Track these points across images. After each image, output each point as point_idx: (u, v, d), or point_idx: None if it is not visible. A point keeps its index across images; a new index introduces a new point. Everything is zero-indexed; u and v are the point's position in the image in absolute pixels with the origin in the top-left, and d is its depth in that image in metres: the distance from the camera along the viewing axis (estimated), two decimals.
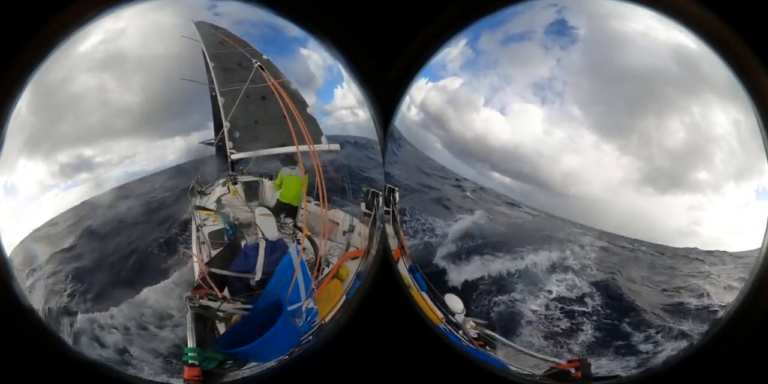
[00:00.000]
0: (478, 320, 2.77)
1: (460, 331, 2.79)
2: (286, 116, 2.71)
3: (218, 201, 2.82)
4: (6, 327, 2.49)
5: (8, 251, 2.47)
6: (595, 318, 2.63)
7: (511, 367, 2.74)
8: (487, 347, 2.76)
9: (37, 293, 2.49)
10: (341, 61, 2.67)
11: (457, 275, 2.79)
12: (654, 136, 2.36)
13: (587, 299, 2.62)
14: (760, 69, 2.49)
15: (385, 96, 2.72)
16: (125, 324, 2.55)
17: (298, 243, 2.73)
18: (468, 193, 2.75)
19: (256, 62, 2.75)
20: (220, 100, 2.74)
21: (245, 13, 2.73)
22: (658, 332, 2.58)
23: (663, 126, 2.37)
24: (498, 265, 2.73)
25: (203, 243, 2.72)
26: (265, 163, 2.93)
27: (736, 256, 2.50)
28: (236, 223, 2.80)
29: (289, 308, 2.62)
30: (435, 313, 2.81)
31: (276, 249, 2.70)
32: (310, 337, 2.70)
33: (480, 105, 2.58)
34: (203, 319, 2.60)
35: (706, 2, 2.51)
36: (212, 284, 2.60)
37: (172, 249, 2.64)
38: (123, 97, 2.42)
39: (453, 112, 2.64)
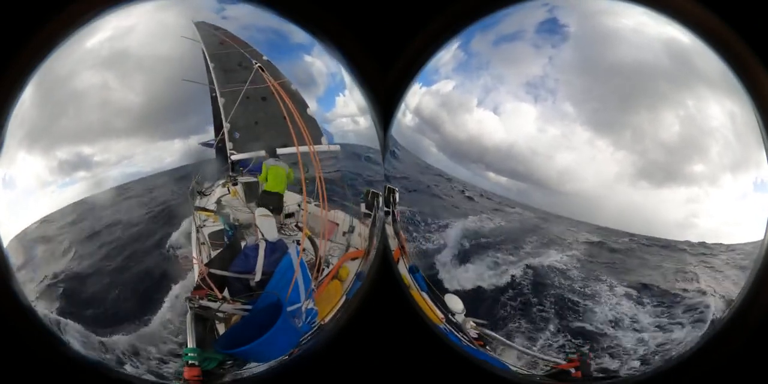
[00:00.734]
0: (478, 320, 2.77)
1: (461, 332, 2.79)
2: (286, 117, 2.73)
3: (218, 202, 2.83)
4: (6, 327, 2.49)
5: (8, 251, 2.48)
6: None
7: (511, 367, 2.73)
8: (487, 347, 2.76)
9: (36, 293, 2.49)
10: (341, 61, 2.70)
11: (465, 276, 2.79)
12: (648, 130, 2.37)
13: None
14: (759, 69, 2.51)
15: (385, 96, 2.74)
16: None
17: (298, 244, 2.74)
18: (465, 195, 2.76)
19: (256, 63, 2.78)
20: (221, 101, 2.76)
21: (252, 17, 2.76)
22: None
23: (656, 120, 2.38)
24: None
25: (203, 244, 2.73)
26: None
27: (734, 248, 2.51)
28: (236, 223, 2.81)
29: (289, 309, 2.61)
30: (435, 313, 2.80)
31: (276, 250, 2.71)
32: (310, 338, 2.70)
33: (473, 106, 2.60)
34: (203, 320, 2.60)
35: (705, 2, 2.53)
36: (212, 285, 2.61)
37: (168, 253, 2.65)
38: (124, 96, 2.45)
39: (447, 114, 2.66)
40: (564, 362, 2.68)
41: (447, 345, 2.75)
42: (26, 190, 2.45)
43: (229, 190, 2.89)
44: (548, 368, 2.71)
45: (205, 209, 2.78)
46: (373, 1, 2.68)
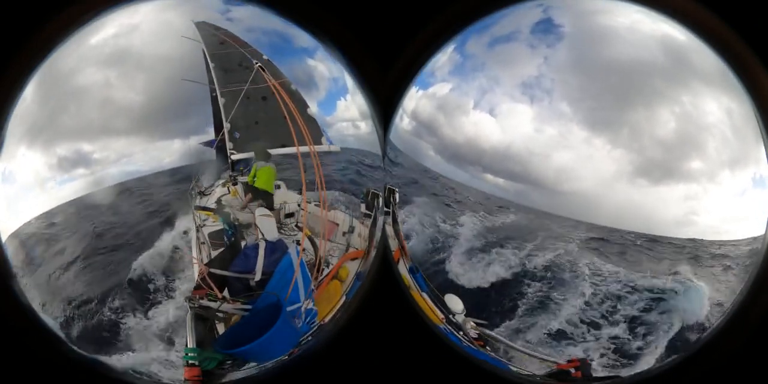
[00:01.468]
0: (478, 320, 2.77)
1: (461, 332, 2.79)
2: (287, 117, 2.74)
3: (218, 201, 2.83)
4: (6, 327, 2.49)
5: (8, 250, 2.48)
6: None
7: (511, 367, 2.73)
8: (487, 347, 2.76)
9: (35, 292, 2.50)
10: (342, 62, 2.70)
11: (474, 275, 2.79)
12: (645, 127, 2.37)
13: None
14: (759, 69, 2.51)
15: (385, 96, 2.75)
16: None
17: (298, 244, 2.74)
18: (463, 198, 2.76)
19: (256, 63, 2.79)
20: (221, 101, 2.77)
21: (257, 20, 2.77)
22: None
23: (653, 117, 2.38)
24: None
25: (203, 243, 2.73)
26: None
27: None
28: (236, 223, 2.82)
29: (289, 309, 2.62)
30: (435, 314, 2.80)
31: (276, 250, 2.71)
32: (310, 338, 2.70)
33: (469, 108, 2.60)
34: (203, 320, 2.60)
35: (705, 2, 2.54)
36: (212, 285, 2.61)
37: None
38: (125, 95, 2.46)
39: (443, 117, 2.67)
40: (564, 362, 2.68)
41: (447, 345, 2.75)
42: (25, 187, 2.45)
43: (229, 189, 2.89)
44: (548, 368, 2.70)
45: (205, 208, 2.78)
46: (373, 2, 2.68)
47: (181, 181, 2.62)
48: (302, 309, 2.67)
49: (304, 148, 2.74)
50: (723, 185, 2.42)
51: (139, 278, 2.61)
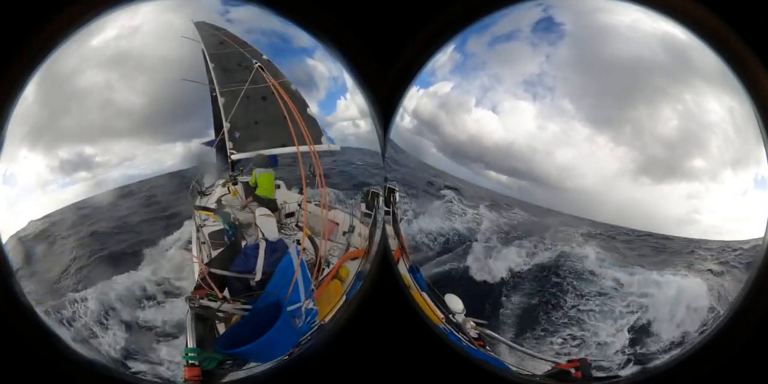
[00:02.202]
0: (478, 320, 2.77)
1: (460, 332, 2.78)
2: (287, 117, 2.74)
3: (218, 201, 2.83)
4: (6, 327, 2.49)
5: (8, 251, 2.48)
6: None
7: (511, 367, 2.73)
8: (487, 347, 2.75)
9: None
10: (342, 62, 2.70)
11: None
12: (647, 125, 2.37)
13: None
14: (759, 68, 2.51)
15: (385, 96, 2.75)
16: None
17: (298, 243, 2.74)
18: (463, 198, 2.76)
19: (256, 62, 2.79)
20: (221, 101, 2.77)
21: (256, 20, 2.77)
22: None
23: (655, 115, 2.38)
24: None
25: (203, 243, 2.73)
26: None
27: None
28: (236, 223, 2.81)
29: (289, 309, 2.61)
30: (435, 313, 2.80)
31: (276, 249, 2.71)
32: (310, 338, 2.70)
33: (471, 106, 2.60)
34: (203, 320, 2.59)
35: (705, 2, 2.54)
36: (212, 284, 2.61)
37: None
38: (126, 96, 2.46)
39: (445, 115, 2.67)
40: (564, 362, 2.67)
41: (447, 345, 2.75)
42: (26, 189, 2.45)
43: (229, 189, 2.89)
44: (548, 368, 2.70)
45: (205, 208, 2.78)
46: (373, 2, 2.69)
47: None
48: (302, 309, 2.66)
49: (304, 148, 2.74)
50: (725, 184, 2.41)
51: (139, 278, 2.60)
